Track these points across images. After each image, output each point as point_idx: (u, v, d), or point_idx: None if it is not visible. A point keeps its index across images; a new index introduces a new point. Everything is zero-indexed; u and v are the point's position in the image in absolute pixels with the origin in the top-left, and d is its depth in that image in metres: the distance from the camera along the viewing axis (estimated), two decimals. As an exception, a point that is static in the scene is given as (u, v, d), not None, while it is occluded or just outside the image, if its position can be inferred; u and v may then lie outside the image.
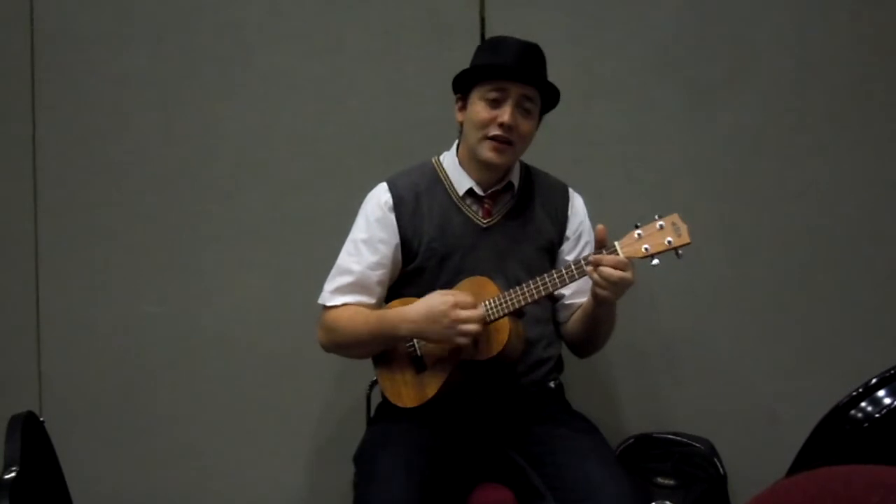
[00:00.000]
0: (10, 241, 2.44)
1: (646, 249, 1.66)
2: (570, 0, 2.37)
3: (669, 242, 1.66)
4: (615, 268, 1.65)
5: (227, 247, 2.44)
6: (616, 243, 1.69)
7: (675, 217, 1.68)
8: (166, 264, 2.44)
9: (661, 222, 1.67)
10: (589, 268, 1.68)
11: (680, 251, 1.67)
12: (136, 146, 2.43)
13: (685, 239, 1.66)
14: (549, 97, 1.91)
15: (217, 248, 2.44)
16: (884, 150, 2.34)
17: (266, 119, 2.42)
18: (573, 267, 1.71)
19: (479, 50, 1.93)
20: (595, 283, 1.69)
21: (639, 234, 1.68)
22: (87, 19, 2.41)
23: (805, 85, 2.34)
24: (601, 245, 1.70)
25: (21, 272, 2.44)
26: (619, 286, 1.67)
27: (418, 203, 1.91)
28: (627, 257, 1.67)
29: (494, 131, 1.83)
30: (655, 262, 1.67)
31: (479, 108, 1.85)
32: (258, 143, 2.42)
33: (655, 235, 1.67)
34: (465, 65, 1.89)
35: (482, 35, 2.33)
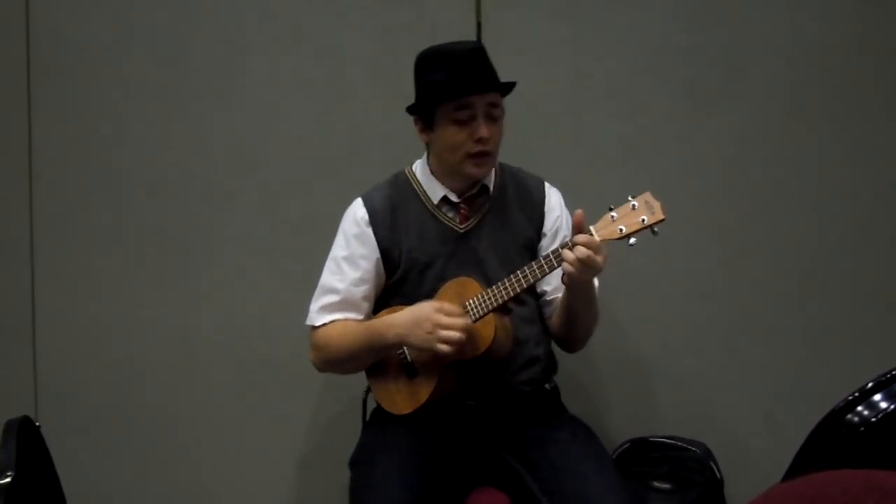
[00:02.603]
0: (6, 246, 2.44)
1: (621, 230, 1.66)
2: (566, 4, 2.37)
3: (644, 221, 1.65)
4: (586, 246, 1.64)
5: (224, 251, 2.44)
6: (591, 227, 1.68)
7: (647, 195, 1.67)
8: (162, 268, 2.44)
9: (633, 202, 1.67)
10: (565, 251, 1.67)
11: (656, 229, 1.66)
12: (132, 151, 2.43)
13: (659, 216, 1.65)
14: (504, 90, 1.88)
15: (214, 253, 2.44)
16: (882, 153, 2.34)
17: (263, 123, 2.42)
18: (551, 256, 1.70)
19: (426, 67, 1.86)
20: (564, 260, 1.67)
21: (613, 216, 1.68)
22: (82, 25, 2.41)
23: (803, 88, 2.34)
24: (578, 231, 1.69)
25: (17, 276, 2.44)
26: (586, 264, 1.65)
27: (394, 215, 1.91)
28: (603, 239, 1.66)
29: (475, 148, 1.81)
30: (632, 241, 1.66)
31: (452, 132, 1.82)
32: (255, 148, 2.42)
33: (630, 215, 1.66)
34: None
35: (478, 39, 2.33)
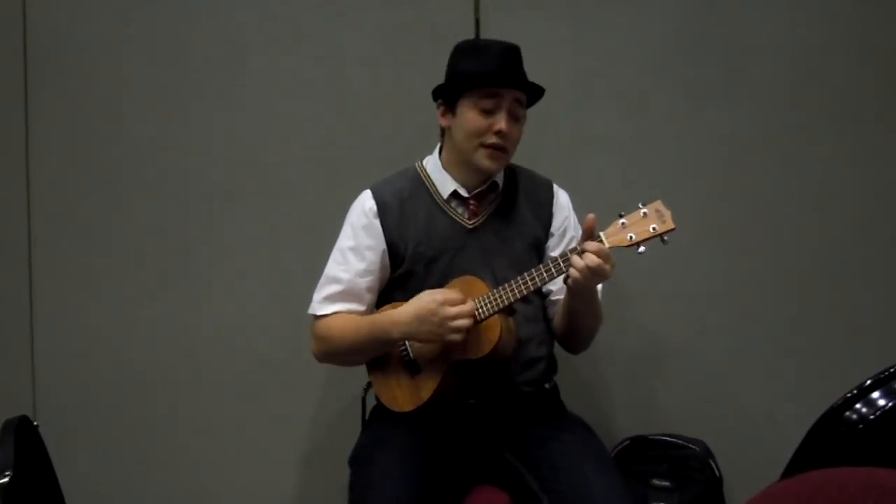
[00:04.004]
0: (4, 245, 2.44)
1: (631, 238, 1.66)
2: (566, 4, 2.37)
3: (654, 229, 1.65)
4: (596, 254, 1.65)
5: (223, 251, 2.44)
6: (601, 233, 1.69)
7: (658, 204, 1.67)
8: (161, 268, 2.44)
9: (644, 210, 1.67)
10: (574, 257, 1.67)
11: (665, 237, 1.66)
12: (132, 150, 2.43)
13: (669, 225, 1.65)
14: (532, 96, 1.91)
15: (213, 252, 2.44)
16: (880, 153, 2.34)
17: (263, 123, 2.42)
18: (560, 260, 1.70)
19: (461, 56, 1.91)
20: (572, 266, 1.67)
21: (623, 223, 1.68)
22: (81, 24, 2.41)
23: (803, 88, 2.35)
24: (589, 236, 1.69)
25: (15, 276, 2.43)
26: (594, 272, 1.65)
27: (403, 208, 1.91)
28: (613, 246, 1.67)
29: (491, 140, 1.83)
30: (642, 249, 1.66)
31: (472, 117, 1.84)
32: (255, 148, 2.42)
33: (640, 223, 1.66)
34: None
35: (477, 38, 2.33)
